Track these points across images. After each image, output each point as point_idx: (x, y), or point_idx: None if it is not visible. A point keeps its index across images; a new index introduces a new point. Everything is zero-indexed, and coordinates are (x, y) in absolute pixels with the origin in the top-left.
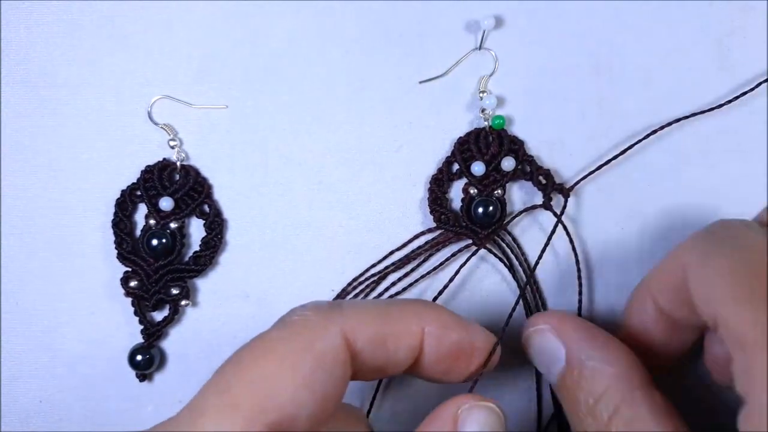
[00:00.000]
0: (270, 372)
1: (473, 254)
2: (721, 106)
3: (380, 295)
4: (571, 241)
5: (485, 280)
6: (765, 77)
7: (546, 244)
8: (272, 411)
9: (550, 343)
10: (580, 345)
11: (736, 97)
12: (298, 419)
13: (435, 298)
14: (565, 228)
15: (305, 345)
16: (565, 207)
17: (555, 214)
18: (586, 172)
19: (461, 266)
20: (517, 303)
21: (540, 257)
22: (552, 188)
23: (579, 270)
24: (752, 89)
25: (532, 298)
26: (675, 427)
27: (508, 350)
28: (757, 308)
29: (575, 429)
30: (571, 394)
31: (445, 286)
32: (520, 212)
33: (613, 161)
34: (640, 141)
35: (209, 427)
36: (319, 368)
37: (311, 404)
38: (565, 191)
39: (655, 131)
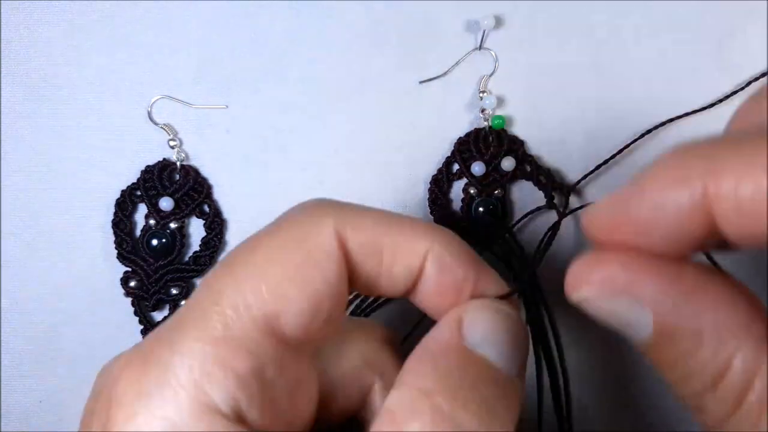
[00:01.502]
0: (255, 267)
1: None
2: (713, 104)
3: (377, 297)
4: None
5: None
6: (764, 73)
7: (549, 244)
8: (256, 306)
9: (622, 311)
10: (669, 306)
11: (728, 96)
12: (285, 315)
13: None
14: (557, 225)
15: (294, 239)
16: (567, 205)
17: (559, 213)
18: (587, 172)
19: None
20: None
21: (542, 256)
22: (553, 187)
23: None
24: (745, 87)
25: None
26: None
27: None
28: None
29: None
30: (675, 371)
31: None
32: (527, 215)
33: (614, 162)
34: (636, 140)
35: (194, 326)
36: (308, 263)
37: (299, 301)
38: (566, 190)
39: (650, 130)
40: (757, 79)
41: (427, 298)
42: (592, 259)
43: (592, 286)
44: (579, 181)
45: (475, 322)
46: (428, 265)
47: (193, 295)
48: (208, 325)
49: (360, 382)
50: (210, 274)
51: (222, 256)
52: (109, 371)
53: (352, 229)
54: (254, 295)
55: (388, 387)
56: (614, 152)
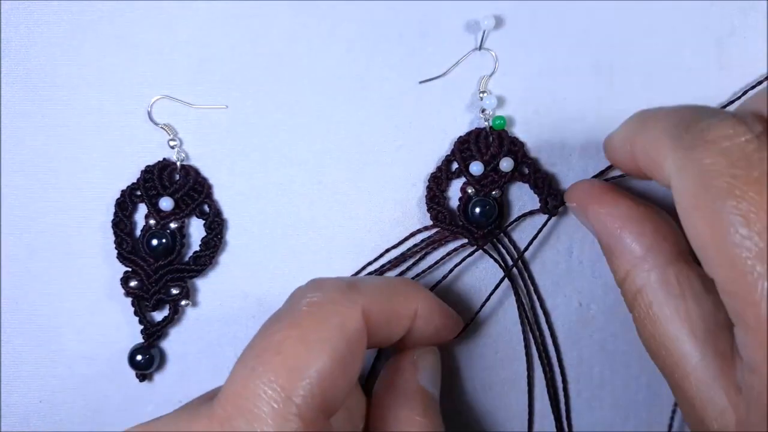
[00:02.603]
0: (307, 357)
1: (470, 254)
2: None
3: None
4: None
5: (482, 280)
6: (764, 77)
7: (532, 239)
8: (314, 394)
9: (581, 219)
10: (600, 230)
11: (731, 102)
12: (335, 401)
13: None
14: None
15: (339, 329)
16: (557, 210)
17: (547, 212)
18: (585, 174)
19: (456, 265)
20: (495, 288)
21: (526, 248)
22: (548, 192)
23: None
24: (746, 92)
25: (525, 294)
26: (691, 309)
27: (505, 345)
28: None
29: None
30: (608, 263)
31: (438, 282)
32: (519, 217)
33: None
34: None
35: (265, 408)
36: (349, 351)
37: (345, 386)
38: (561, 196)
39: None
40: (758, 83)
41: (407, 342)
42: (576, 188)
43: (571, 202)
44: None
45: (425, 367)
46: (418, 321)
47: (238, 379)
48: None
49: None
50: (252, 357)
51: (264, 334)
52: None
53: (373, 309)
54: (307, 382)
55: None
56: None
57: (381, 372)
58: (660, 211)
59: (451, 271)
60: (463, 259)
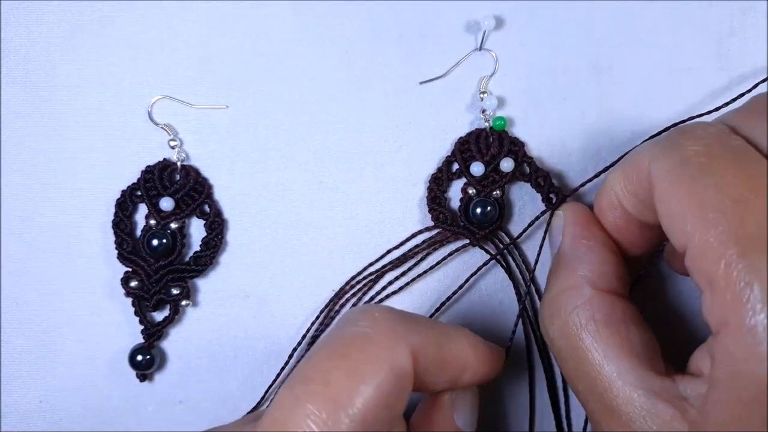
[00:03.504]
0: (357, 392)
1: (485, 264)
2: (719, 108)
3: (378, 293)
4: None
5: (485, 281)
6: (764, 77)
7: (540, 249)
8: (353, 422)
9: (557, 227)
10: (572, 239)
11: (733, 100)
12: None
13: (442, 304)
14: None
15: (387, 366)
16: (557, 207)
17: (549, 207)
18: (585, 174)
19: (472, 275)
20: (516, 323)
21: (536, 261)
22: (549, 191)
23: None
24: (748, 92)
25: (526, 293)
26: (632, 331)
27: (506, 344)
28: (724, 243)
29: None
30: (549, 276)
31: (454, 293)
32: (531, 223)
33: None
34: (637, 147)
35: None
36: (395, 389)
37: (387, 423)
38: (563, 194)
39: (652, 136)
40: (756, 85)
41: (452, 387)
42: (569, 204)
43: (559, 210)
44: (578, 188)
45: (464, 407)
46: (466, 374)
47: (284, 404)
48: None
49: None
50: (299, 384)
51: (314, 357)
52: None
53: (424, 351)
54: (351, 414)
55: None
56: (613, 152)
57: (418, 406)
58: (620, 255)
59: (467, 281)
60: (479, 269)
